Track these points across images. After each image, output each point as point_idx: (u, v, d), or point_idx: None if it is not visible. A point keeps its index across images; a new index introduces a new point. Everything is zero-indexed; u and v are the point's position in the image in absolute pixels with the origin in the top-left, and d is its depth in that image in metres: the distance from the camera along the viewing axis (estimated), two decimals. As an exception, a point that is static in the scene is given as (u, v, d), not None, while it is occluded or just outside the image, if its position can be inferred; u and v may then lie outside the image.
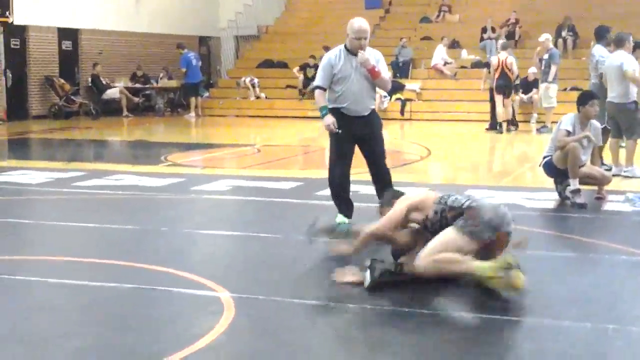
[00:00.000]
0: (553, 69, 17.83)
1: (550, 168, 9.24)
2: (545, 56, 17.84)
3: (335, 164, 7.70)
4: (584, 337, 4.75)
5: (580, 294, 5.65)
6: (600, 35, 12.20)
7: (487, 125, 18.61)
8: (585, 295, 5.60)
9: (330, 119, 7.49)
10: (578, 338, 4.74)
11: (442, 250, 5.53)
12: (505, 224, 5.65)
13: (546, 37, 18.11)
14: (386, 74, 7.70)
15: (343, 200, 7.79)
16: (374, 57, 7.53)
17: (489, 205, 5.90)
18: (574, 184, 8.89)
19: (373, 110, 7.73)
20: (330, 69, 7.51)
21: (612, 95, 10.88)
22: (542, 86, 18.29)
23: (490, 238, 5.60)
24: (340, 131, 7.48)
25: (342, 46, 7.58)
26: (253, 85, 24.18)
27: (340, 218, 7.69)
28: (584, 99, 9.12)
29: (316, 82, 7.73)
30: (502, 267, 5.36)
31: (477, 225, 5.57)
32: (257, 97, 24.08)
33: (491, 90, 18.27)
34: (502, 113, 18.07)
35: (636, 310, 5.30)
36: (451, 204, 5.77)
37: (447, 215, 5.75)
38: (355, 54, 7.45)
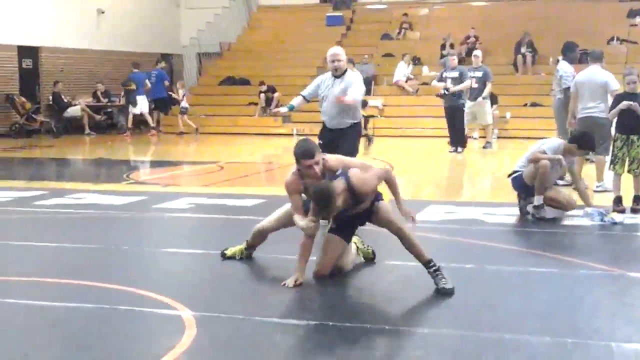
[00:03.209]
0: (489, 86, 17.93)
1: (518, 182, 9.34)
2: (478, 73, 17.67)
3: None
4: (543, 351, 4.80)
5: (539, 308, 5.70)
6: (565, 51, 12.39)
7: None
8: (545, 310, 5.65)
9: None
10: (537, 352, 4.78)
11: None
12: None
13: (480, 54, 18.38)
14: (352, 96, 8.91)
15: None
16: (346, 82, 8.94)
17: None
18: (538, 200, 9.01)
19: (351, 125, 9.03)
20: (317, 86, 9.13)
21: (594, 110, 10.82)
22: (476, 102, 17.70)
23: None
24: (321, 142, 8.91)
25: (329, 72, 9.08)
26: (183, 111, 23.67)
27: None
28: (587, 145, 9.31)
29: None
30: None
31: None
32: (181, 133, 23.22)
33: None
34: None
35: (595, 324, 5.35)
36: None
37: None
38: (335, 77, 8.96)
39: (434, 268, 6.20)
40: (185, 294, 6.00)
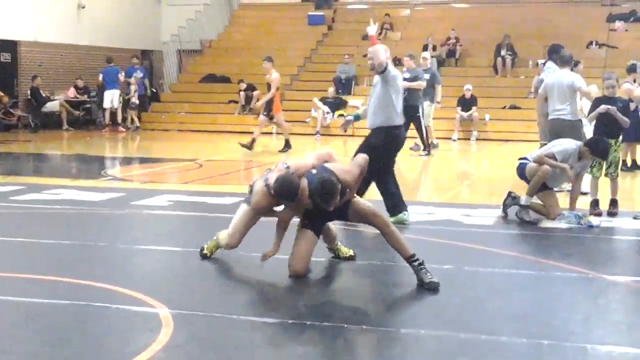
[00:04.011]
0: (439, 88, 17.89)
1: (521, 170, 9.41)
2: (426, 76, 17.26)
3: None
4: (519, 353, 4.82)
5: (516, 310, 5.73)
6: (552, 53, 12.42)
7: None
8: (522, 311, 5.69)
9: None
10: (514, 353, 4.80)
11: None
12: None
13: (428, 56, 18.24)
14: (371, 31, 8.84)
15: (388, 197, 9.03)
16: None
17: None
18: (526, 200, 9.04)
19: (378, 128, 8.71)
20: None
21: (562, 112, 10.80)
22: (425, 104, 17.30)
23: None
24: None
25: None
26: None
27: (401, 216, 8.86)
28: (598, 152, 9.09)
29: None
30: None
31: None
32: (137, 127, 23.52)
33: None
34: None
35: (570, 326, 5.39)
36: None
37: None
38: (378, 73, 8.55)
39: (417, 262, 6.20)
40: (163, 292, 5.98)
